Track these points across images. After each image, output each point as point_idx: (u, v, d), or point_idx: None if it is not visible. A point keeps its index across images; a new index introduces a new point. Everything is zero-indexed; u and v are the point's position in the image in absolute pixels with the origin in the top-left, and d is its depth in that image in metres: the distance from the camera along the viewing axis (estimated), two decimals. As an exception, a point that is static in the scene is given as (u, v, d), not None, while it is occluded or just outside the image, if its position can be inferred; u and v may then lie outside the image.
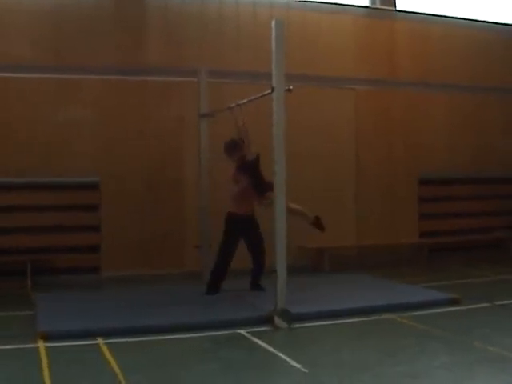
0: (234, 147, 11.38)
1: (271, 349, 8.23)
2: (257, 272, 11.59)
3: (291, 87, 9.63)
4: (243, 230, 11.39)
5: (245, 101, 11.15)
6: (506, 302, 10.91)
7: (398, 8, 16.28)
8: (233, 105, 11.54)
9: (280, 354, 7.97)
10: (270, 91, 9.63)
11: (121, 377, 7.08)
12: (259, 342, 8.58)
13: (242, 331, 9.05)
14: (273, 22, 9.59)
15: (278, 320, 9.28)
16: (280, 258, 9.43)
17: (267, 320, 9.38)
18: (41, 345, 8.38)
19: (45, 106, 13.32)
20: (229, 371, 7.37)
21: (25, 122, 13.18)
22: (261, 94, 10.26)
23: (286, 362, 7.68)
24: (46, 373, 7.22)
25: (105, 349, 8.23)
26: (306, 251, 14.61)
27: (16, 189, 13.08)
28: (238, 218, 11.32)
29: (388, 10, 16.12)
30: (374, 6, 16.13)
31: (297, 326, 9.27)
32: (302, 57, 14.58)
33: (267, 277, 10.39)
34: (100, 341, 8.56)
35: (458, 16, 16.77)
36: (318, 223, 11.24)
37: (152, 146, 13.92)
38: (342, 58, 15.45)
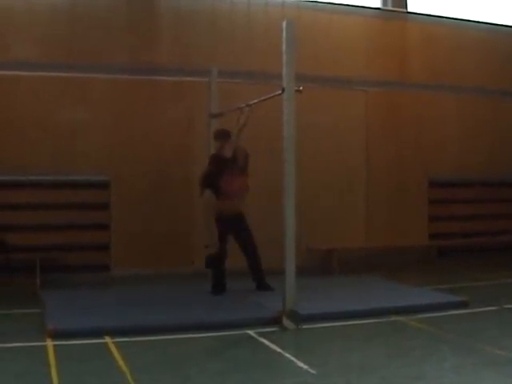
0: (220, 134, 11.54)
1: (279, 349, 8.22)
2: (255, 269, 11.58)
3: (301, 88, 9.64)
4: (229, 229, 11.39)
5: (255, 101, 11.16)
6: (514, 305, 10.90)
7: (409, 10, 16.27)
8: (243, 105, 11.56)
9: (288, 355, 7.97)
10: (280, 92, 9.64)
11: (128, 376, 7.09)
12: (267, 342, 8.57)
13: (250, 331, 9.04)
14: (284, 23, 9.59)
15: (286, 321, 9.27)
16: (289, 258, 9.43)
17: (275, 321, 9.37)
18: (49, 343, 8.40)
19: (56, 104, 13.38)
20: (236, 372, 7.36)
21: (36, 120, 13.23)
22: (271, 95, 10.28)
23: (294, 363, 7.67)
24: (53, 371, 7.23)
25: (113, 347, 8.24)
26: (315, 252, 14.60)
27: (26, 187, 13.13)
28: (222, 218, 11.34)
29: (399, 11, 16.11)
30: (385, 8, 16.12)
31: (305, 327, 9.26)
32: (313, 57, 14.57)
33: (275, 277, 10.38)
34: (108, 339, 8.57)
35: (470, 18, 16.74)
36: (209, 259, 11.36)
37: (162, 145, 13.96)
38: (353, 60, 15.45)
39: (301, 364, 7.56)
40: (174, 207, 13.94)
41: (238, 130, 11.29)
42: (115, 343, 8.42)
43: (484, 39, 16.79)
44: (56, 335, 8.62)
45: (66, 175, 13.34)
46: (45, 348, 8.20)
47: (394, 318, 9.92)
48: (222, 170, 11.19)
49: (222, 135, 11.46)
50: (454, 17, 16.57)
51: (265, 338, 8.75)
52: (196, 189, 13.62)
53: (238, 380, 7.11)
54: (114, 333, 8.78)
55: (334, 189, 15.03)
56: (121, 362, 7.60)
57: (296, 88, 9.55)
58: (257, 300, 10.81)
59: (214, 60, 13.53)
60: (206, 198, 11.23)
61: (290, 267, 9.42)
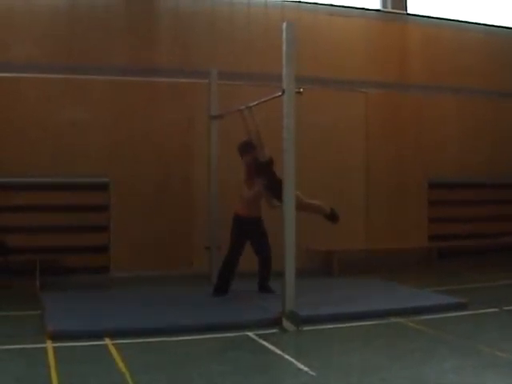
0: (247, 147, 11.39)
1: (279, 351, 8.22)
2: (264, 274, 11.60)
3: (301, 89, 9.64)
4: (251, 232, 11.42)
5: (255, 103, 11.17)
6: (514, 307, 10.89)
7: (409, 11, 16.27)
8: (243, 107, 11.56)
9: (288, 357, 7.97)
10: (280, 93, 9.64)
11: (128, 377, 7.09)
12: (267, 344, 8.57)
13: (250, 333, 9.04)
14: (284, 24, 9.60)
15: (286, 322, 9.27)
16: (288, 260, 9.43)
17: (275, 322, 9.37)
18: (49, 344, 8.40)
19: (55, 106, 13.37)
20: (236, 373, 7.36)
21: (35, 121, 13.22)
22: (271, 97, 10.27)
23: (294, 364, 7.67)
24: (53, 373, 7.23)
25: (113, 349, 8.24)
26: (315, 254, 14.59)
27: (26, 189, 13.11)
28: (246, 221, 11.34)
29: (399, 13, 16.11)
30: (385, 10, 16.13)
31: (305, 328, 9.26)
32: (313, 59, 14.60)
33: (276, 279, 10.37)
34: (108, 341, 8.57)
35: (469, 20, 16.76)
36: (332, 215, 11.30)
37: (162, 146, 13.95)
38: (353, 61, 15.45)
39: (301, 366, 7.56)
40: (174, 208, 13.93)
41: (257, 133, 11.26)
42: (115, 345, 8.42)
43: (484, 41, 16.80)
44: (56, 337, 8.62)
45: (65, 177, 13.33)
46: (44, 350, 8.19)
47: (393, 319, 9.92)
48: (273, 172, 11.15)
49: (250, 147, 11.38)
50: (454, 18, 16.57)
51: (265, 339, 8.75)
52: (197, 191, 13.78)
53: (238, 382, 7.11)
54: (113, 334, 8.78)
55: (334, 189, 15.00)
56: (121, 364, 7.60)
57: (296, 90, 9.56)
58: (257, 302, 10.82)
59: (213, 61, 13.55)
60: (305, 202, 11.07)
61: (290, 269, 9.42)
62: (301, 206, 10.45)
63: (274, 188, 10.95)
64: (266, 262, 11.54)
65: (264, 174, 11.15)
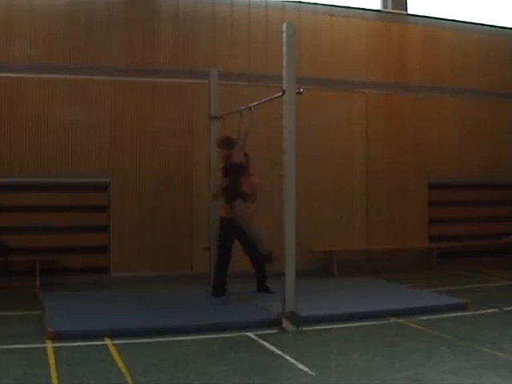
0: (224, 142, 11.48)
1: (279, 351, 8.22)
2: (259, 273, 11.59)
3: (302, 90, 9.63)
4: (234, 232, 11.35)
5: (255, 104, 11.16)
6: (514, 307, 10.90)
7: (409, 12, 16.27)
8: (243, 107, 11.55)
9: (288, 357, 7.97)
10: (280, 94, 9.64)
11: (128, 378, 7.09)
12: (267, 344, 8.57)
13: (250, 334, 9.04)
14: (284, 25, 9.59)
15: (286, 323, 9.27)
16: (289, 260, 9.42)
17: (275, 323, 9.38)
18: (49, 345, 8.40)
19: (56, 106, 13.38)
20: (237, 374, 7.36)
21: (36, 122, 13.24)
22: (271, 97, 10.27)
23: (294, 364, 7.68)
24: (53, 373, 7.23)
25: (113, 349, 8.24)
26: (315, 255, 14.58)
27: (26, 189, 13.12)
28: (227, 222, 11.32)
29: (399, 13, 16.10)
30: (385, 10, 16.12)
31: (305, 329, 9.26)
32: (313, 60, 14.62)
33: (276, 280, 10.36)
34: (108, 341, 8.57)
35: (470, 20, 16.75)
36: (268, 257, 10.96)
37: (162, 147, 13.95)
38: (353, 62, 15.45)
39: (301, 366, 7.57)
40: (174, 208, 13.93)
41: (244, 135, 11.26)
42: (115, 345, 8.42)
43: (484, 41, 16.78)
44: (56, 337, 8.62)
45: (65, 177, 13.34)
46: (45, 350, 8.19)
47: (393, 319, 9.92)
48: (238, 177, 11.14)
49: (229, 143, 11.41)
50: (454, 19, 16.56)
51: (265, 340, 8.76)
52: (197, 191, 13.79)
53: (238, 382, 7.11)
54: (113, 334, 8.79)
55: (334, 190, 15.02)
56: (121, 364, 7.60)
57: (296, 90, 9.55)
58: (257, 302, 10.81)
59: (213, 61, 13.56)
60: (238, 209, 11.06)
61: (290, 269, 9.41)
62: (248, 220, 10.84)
63: (228, 191, 11.00)
64: (256, 262, 11.51)
65: (230, 174, 11.16)
